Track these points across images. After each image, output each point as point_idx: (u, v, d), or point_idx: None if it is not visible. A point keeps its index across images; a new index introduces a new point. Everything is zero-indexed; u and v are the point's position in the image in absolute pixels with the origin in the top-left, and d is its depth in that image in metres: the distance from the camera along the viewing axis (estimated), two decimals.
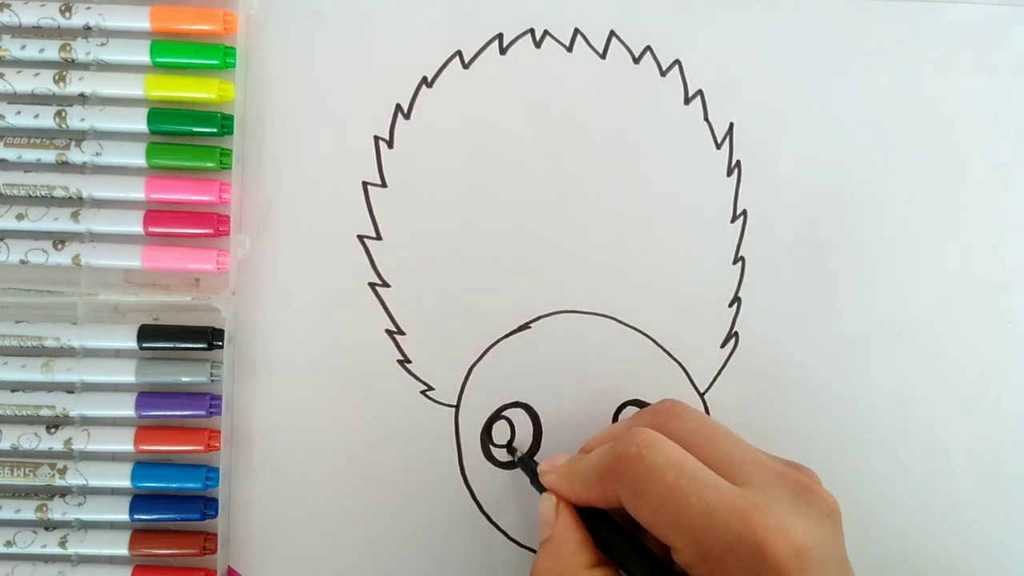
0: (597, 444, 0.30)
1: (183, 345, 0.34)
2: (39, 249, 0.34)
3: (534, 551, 0.35)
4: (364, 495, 0.35)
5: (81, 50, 0.34)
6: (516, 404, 0.36)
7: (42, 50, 0.34)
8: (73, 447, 0.34)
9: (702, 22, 0.36)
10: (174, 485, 0.34)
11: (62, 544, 0.33)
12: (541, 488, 0.31)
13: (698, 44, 0.36)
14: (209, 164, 0.34)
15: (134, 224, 0.34)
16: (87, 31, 0.34)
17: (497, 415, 0.36)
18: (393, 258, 0.36)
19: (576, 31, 0.36)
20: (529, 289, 0.36)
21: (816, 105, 0.37)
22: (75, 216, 0.34)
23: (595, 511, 0.29)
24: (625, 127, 0.36)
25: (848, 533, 0.27)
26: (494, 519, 0.35)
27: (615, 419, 0.36)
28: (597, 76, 0.36)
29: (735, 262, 0.36)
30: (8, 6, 0.34)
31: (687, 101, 0.36)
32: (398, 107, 0.36)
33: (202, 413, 0.34)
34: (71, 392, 0.34)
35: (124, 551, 0.34)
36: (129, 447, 0.34)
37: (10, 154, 0.34)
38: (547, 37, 0.36)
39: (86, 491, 0.34)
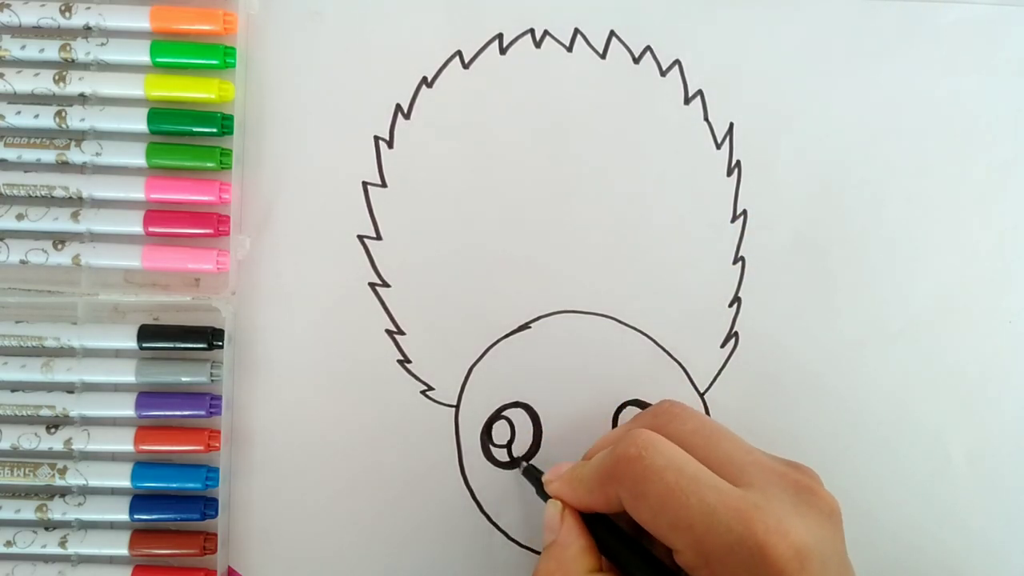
0: (599, 449, 0.30)
1: (183, 345, 0.34)
2: (39, 249, 0.34)
3: (534, 551, 0.35)
4: (364, 495, 0.35)
5: (81, 50, 0.34)
6: (516, 404, 0.36)
7: (42, 50, 0.34)
8: (73, 447, 0.34)
9: (702, 22, 0.36)
10: (174, 485, 0.34)
11: (62, 544, 0.34)
12: (546, 497, 0.31)
13: (698, 44, 0.36)
14: (209, 164, 0.34)
15: (134, 224, 0.34)
16: (87, 31, 0.34)
17: (497, 415, 0.36)
18: (393, 258, 0.36)
19: (576, 31, 0.36)
20: (529, 289, 0.36)
21: (816, 105, 0.37)
22: (75, 216, 0.34)
23: (600, 517, 0.29)
24: (625, 127, 0.36)
25: (848, 533, 0.27)
26: (494, 519, 0.35)
27: (615, 419, 0.36)
28: (597, 76, 0.36)
29: (735, 262, 0.36)
30: (8, 6, 0.34)
31: (687, 101, 0.36)
32: (398, 107, 0.36)
33: (202, 413, 0.34)
34: (71, 392, 0.34)
35: (124, 551, 0.34)
36: (129, 447, 0.34)
37: (10, 154, 0.34)
38: (547, 37, 0.36)
39: (86, 491, 0.34)
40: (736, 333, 0.36)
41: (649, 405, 0.35)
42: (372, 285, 0.36)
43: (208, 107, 0.35)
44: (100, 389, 0.34)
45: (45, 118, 0.34)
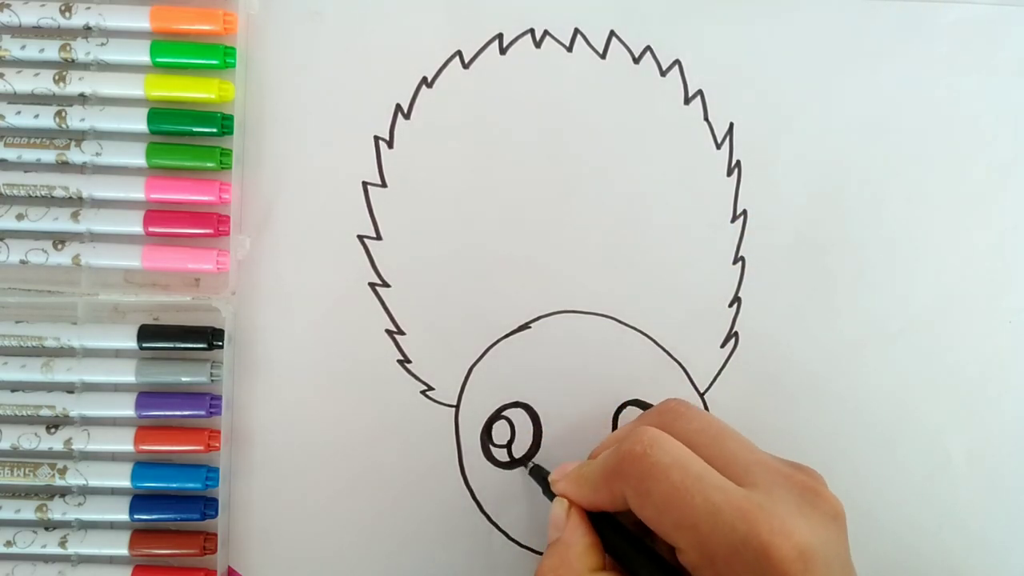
0: (604, 448, 0.30)
1: (183, 345, 0.34)
2: (39, 249, 0.34)
3: (534, 551, 0.35)
4: (364, 495, 0.35)
5: (81, 50, 0.34)
6: (516, 404, 0.36)
7: (42, 50, 0.34)
8: (73, 447, 0.34)
9: (702, 22, 0.36)
10: (174, 485, 0.34)
11: (62, 544, 0.33)
12: (552, 497, 0.31)
13: (698, 44, 0.36)
14: (209, 164, 0.34)
15: (134, 224, 0.34)
16: (87, 31, 0.34)
17: (497, 415, 0.36)
18: (393, 258, 0.36)
19: (576, 31, 0.36)
20: (529, 289, 0.36)
21: (816, 105, 0.37)
22: (75, 216, 0.34)
23: (605, 516, 0.29)
24: (625, 127, 0.36)
25: (848, 533, 0.27)
26: (494, 519, 0.35)
27: (615, 419, 0.36)
28: (597, 76, 0.36)
29: (735, 262, 0.36)
30: (8, 6, 0.34)
31: (687, 101, 0.36)
32: (398, 107, 0.36)
33: (202, 413, 0.34)
34: (71, 392, 0.34)
35: (124, 551, 0.34)
36: (129, 447, 0.34)
37: (10, 154, 0.34)
38: (547, 37, 0.36)
39: (86, 491, 0.34)
40: (736, 333, 0.36)
41: (649, 405, 0.35)
42: (372, 285, 0.36)
43: (208, 107, 0.35)
44: (100, 389, 0.34)
45: (45, 118, 0.34)
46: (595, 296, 0.36)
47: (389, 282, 0.36)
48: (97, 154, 0.34)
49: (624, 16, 0.36)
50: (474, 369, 0.36)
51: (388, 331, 0.35)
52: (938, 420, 0.36)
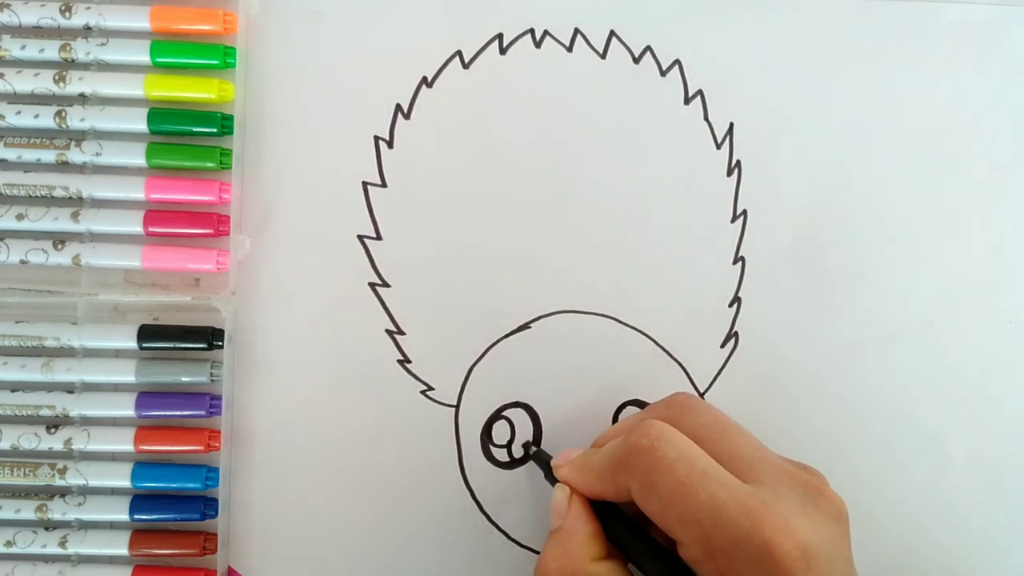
0: (609, 438, 0.30)
1: (183, 345, 0.34)
2: (39, 249, 0.34)
3: (534, 551, 0.35)
4: (364, 495, 0.35)
5: (81, 50, 0.34)
6: (516, 404, 0.36)
7: (42, 50, 0.34)
8: (73, 447, 0.34)
9: (702, 22, 0.36)
10: (174, 485, 0.34)
11: (62, 544, 0.33)
12: (554, 481, 0.31)
13: (698, 44, 0.36)
14: (209, 164, 0.34)
15: (134, 224, 0.34)
16: (87, 31, 0.34)
17: (497, 415, 0.36)
18: (393, 258, 0.36)
19: (576, 31, 0.36)
20: (529, 289, 0.36)
21: (816, 105, 0.37)
22: (75, 216, 0.34)
23: (607, 504, 0.29)
24: (625, 127, 0.36)
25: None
26: (494, 519, 0.35)
27: (615, 419, 0.36)
28: (597, 76, 0.36)
29: (735, 262, 0.36)
30: (8, 6, 0.34)
31: (687, 101, 0.36)
32: (398, 107, 0.36)
33: (202, 413, 0.34)
34: (71, 392, 0.34)
35: (124, 551, 0.34)
36: (129, 447, 0.34)
37: (10, 154, 0.34)
38: (547, 37, 0.36)
39: (86, 491, 0.34)
40: (736, 333, 0.36)
41: (649, 405, 0.35)
42: (372, 285, 0.36)
43: (208, 107, 0.35)
44: (100, 389, 0.34)
45: (45, 118, 0.34)
46: (595, 296, 0.36)
47: (389, 282, 0.36)
48: (97, 154, 0.34)
49: (624, 16, 0.36)
50: (474, 369, 0.36)
51: (388, 331, 0.35)
52: (938, 420, 0.36)
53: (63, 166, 0.34)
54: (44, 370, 0.34)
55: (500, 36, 0.36)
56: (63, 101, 0.34)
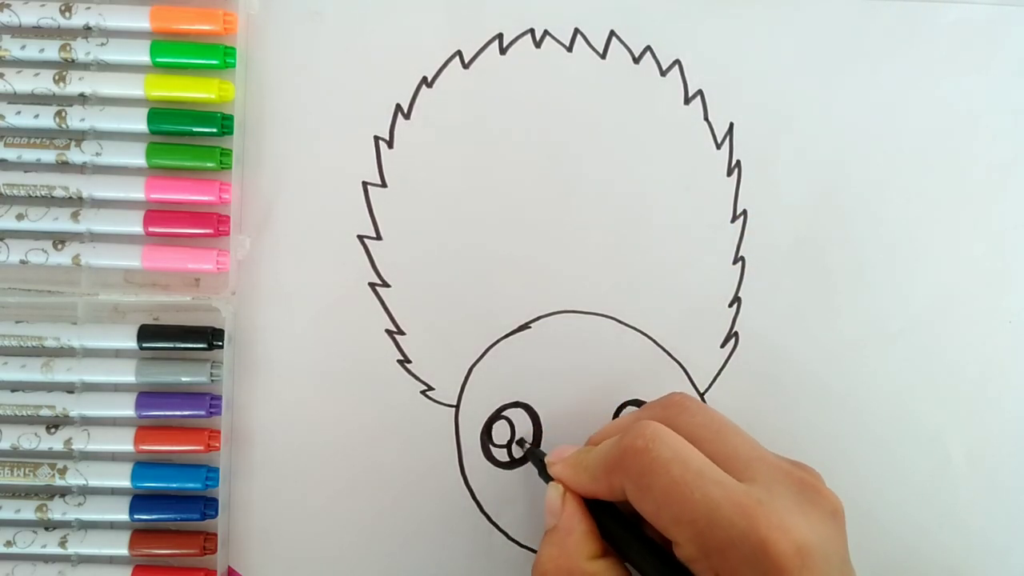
0: (604, 437, 0.30)
1: (183, 345, 0.34)
2: (39, 249, 0.34)
3: (534, 551, 0.35)
4: (364, 495, 0.35)
5: (81, 50, 0.34)
6: (516, 404, 0.36)
7: (42, 50, 0.34)
8: (73, 447, 0.34)
9: (702, 22, 0.36)
10: (174, 485, 0.34)
11: (62, 544, 0.33)
12: (548, 478, 0.31)
13: (698, 44, 0.36)
14: (209, 164, 0.34)
15: (134, 224, 0.34)
16: (87, 31, 0.34)
17: (497, 415, 0.36)
18: (393, 258, 0.36)
19: (576, 31, 0.36)
20: (529, 289, 0.36)
21: (816, 105, 0.37)
22: (75, 216, 0.34)
23: (601, 502, 0.29)
24: (625, 127, 0.36)
25: (848, 533, 0.27)
26: (494, 519, 0.35)
27: (615, 419, 0.36)
28: (597, 76, 0.36)
29: (735, 262, 0.36)
30: (8, 6, 0.34)
31: (687, 101, 0.36)
32: (398, 107, 0.36)
33: (202, 413, 0.34)
34: (71, 392, 0.34)
35: (124, 551, 0.34)
36: (129, 447, 0.34)
37: (10, 154, 0.34)
38: (547, 37, 0.36)
39: (86, 491, 0.34)
40: (736, 333, 0.36)
41: (645, 405, 0.35)
42: (372, 285, 0.36)
43: (208, 107, 0.35)
44: (100, 389, 0.34)
45: (45, 118, 0.34)
46: (595, 296, 0.36)
47: (389, 282, 0.36)
48: (97, 154, 0.34)
49: (624, 16, 0.36)
50: (474, 369, 0.36)
51: (388, 331, 0.35)
52: (938, 420, 0.36)
53: (63, 166, 0.34)
54: (44, 370, 0.34)
55: (500, 36, 0.36)
56: (63, 101, 0.34)
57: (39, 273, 0.34)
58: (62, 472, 0.34)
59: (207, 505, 0.34)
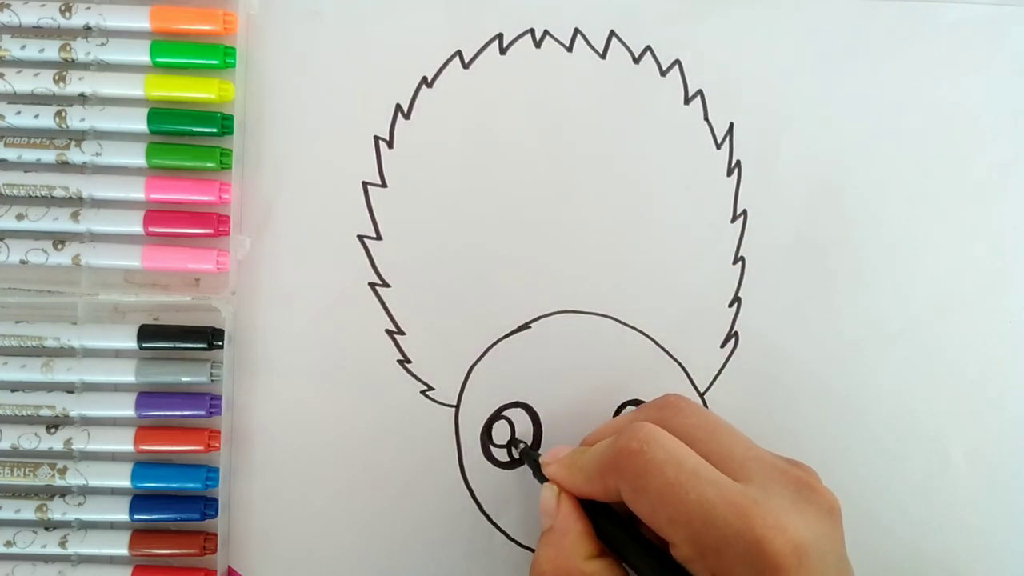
0: (599, 437, 0.30)
1: (183, 345, 0.34)
2: (39, 249, 0.34)
3: (534, 551, 0.35)
4: (364, 495, 0.35)
5: (81, 50, 0.34)
6: (516, 404, 0.36)
7: (42, 50, 0.34)
8: (73, 447, 0.34)
9: (702, 22, 0.36)
10: (174, 485, 0.34)
11: (62, 544, 0.34)
12: (543, 479, 0.31)
13: (698, 44, 0.36)
14: (209, 164, 0.34)
15: (134, 224, 0.34)
16: (87, 31, 0.34)
17: (497, 415, 0.36)
18: (393, 258, 0.36)
19: (576, 31, 0.36)
20: (529, 289, 0.36)
21: (816, 105, 0.37)
22: (75, 216, 0.34)
23: (596, 503, 0.29)
24: (625, 127, 0.36)
25: (848, 533, 0.27)
26: (494, 519, 0.35)
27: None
28: (597, 76, 0.36)
29: (735, 262, 0.36)
30: (8, 6, 0.34)
31: (687, 101, 0.36)
32: (398, 107, 0.36)
33: (202, 413, 0.34)
34: (71, 392, 0.34)
35: (124, 551, 0.34)
36: (129, 447, 0.34)
37: (10, 154, 0.34)
38: (547, 37, 0.36)
39: (86, 491, 0.34)
40: (736, 333, 0.36)
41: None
42: (372, 285, 0.36)
43: (208, 107, 0.35)
44: (100, 389, 0.34)
45: (45, 118, 0.34)
46: (595, 296, 0.36)
47: (389, 282, 0.36)
48: (97, 154, 0.34)
49: (624, 16, 0.36)
50: (474, 369, 0.36)
51: (388, 331, 0.35)
52: (938, 420, 0.36)
53: (63, 166, 0.34)
54: (44, 370, 0.34)
55: (500, 36, 0.36)
56: (63, 101, 0.34)
57: (39, 273, 0.34)
58: (62, 472, 0.34)
59: (207, 505, 0.34)
